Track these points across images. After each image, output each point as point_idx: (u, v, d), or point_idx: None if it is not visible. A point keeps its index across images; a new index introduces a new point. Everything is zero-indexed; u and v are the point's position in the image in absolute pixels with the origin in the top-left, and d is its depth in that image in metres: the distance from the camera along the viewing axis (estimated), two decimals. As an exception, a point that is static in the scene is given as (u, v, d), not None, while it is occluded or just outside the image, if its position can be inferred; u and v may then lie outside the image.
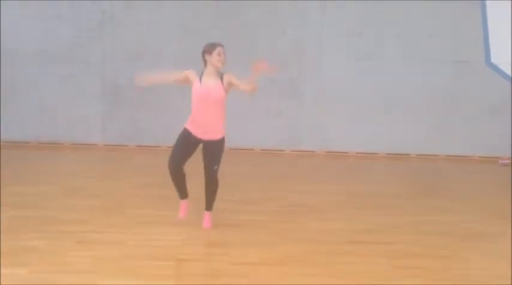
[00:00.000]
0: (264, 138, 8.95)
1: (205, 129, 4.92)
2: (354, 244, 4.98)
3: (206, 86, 4.87)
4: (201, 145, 5.02)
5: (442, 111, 8.98)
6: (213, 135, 4.95)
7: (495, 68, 4.97)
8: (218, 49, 4.85)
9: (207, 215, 5.21)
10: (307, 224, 5.52)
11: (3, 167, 7.31)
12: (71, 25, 8.64)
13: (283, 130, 9.04)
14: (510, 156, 8.75)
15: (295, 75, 8.90)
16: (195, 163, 5.07)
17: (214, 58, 4.84)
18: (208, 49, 4.87)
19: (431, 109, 8.97)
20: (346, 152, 9.04)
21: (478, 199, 6.71)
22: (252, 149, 8.85)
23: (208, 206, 5.20)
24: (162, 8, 8.69)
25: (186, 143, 4.97)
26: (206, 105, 4.88)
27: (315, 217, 5.76)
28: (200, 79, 4.90)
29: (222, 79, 4.91)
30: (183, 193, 5.19)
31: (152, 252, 4.61)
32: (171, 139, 9.60)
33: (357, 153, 9.04)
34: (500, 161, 8.76)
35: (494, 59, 4.90)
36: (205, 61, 4.92)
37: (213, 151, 4.97)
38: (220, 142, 5.00)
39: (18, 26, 8.62)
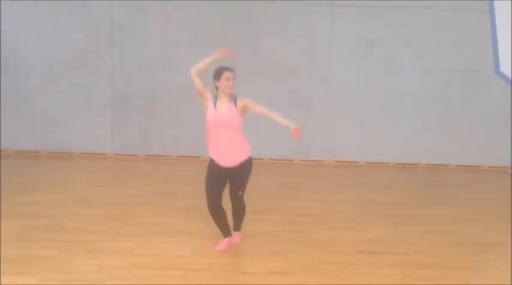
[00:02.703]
0: (273, 147, 8.94)
1: (228, 158, 4.78)
2: (364, 254, 4.95)
3: (221, 114, 4.72)
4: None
5: (451, 120, 8.94)
6: (239, 159, 4.83)
7: (504, 77, 4.96)
8: (226, 74, 4.70)
9: (236, 235, 5.15)
10: (317, 233, 5.50)
11: (12, 176, 7.36)
12: (80, 34, 8.71)
13: (292, 139, 9.00)
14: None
15: (303, 84, 8.89)
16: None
17: (222, 84, 4.70)
18: (217, 74, 4.73)
19: (440, 118, 8.93)
20: (356, 162, 9.01)
21: (488, 208, 6.65)
22: (261, 159, 8.84)
23: (237, 227, 5.14)
24: (171, 17, 8.74)
25: (217, 175, 4.82)
26: (223, 133, 4.73)
27: (325, 226, 5.74)
28: (215, 105, 4.75)
29: (235, 103, 4.77)
30: (226, 231, 5.03)
31: (160, 262, 4.60)
32: (179, 149, 9.68)
33: (366, 162, 9.01)
34: (510, 171, 8.70)
35: (503, 68, 4.90)
36: (216, 87, 4.79)
37: (240, 175, 4.86)
38: (247, 164, 4.88)
39: (29, 36, 8.69)
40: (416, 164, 9.04)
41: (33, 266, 4.42)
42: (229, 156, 4.79)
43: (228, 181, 4.90)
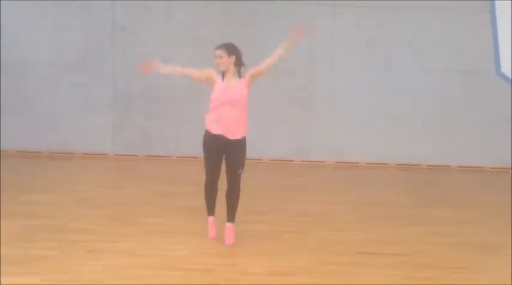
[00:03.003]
0: (274, 147, 8.95)
1: (228, 126, 4.82)
2: (365, 255, 4.95)
3: (228, 85, 4.82)
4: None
5: (452, 121, 8.93)
6: (235, 134, 4.85)
7: (505, 78, 4.96)
8: (215, 53, 4.85)
9: (230, 228, 5.07)
10: (317, 234, 5.50)
11: (14, 176, 7.37)
12: (82, 34, 8.71)
13: (293, 139, 9.03)
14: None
15: (305, 84, 8.90)
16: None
17: (214, 62, 4.84)
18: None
19: (441, 119, 8.92)
20: (357, 163, 9.01)
21: (490, 209, 6.65)
22: (261, 159, 8.84)
23: (231, 217, 5.07)
24: (172, 17, 8.75)
25: (214, 152, 4.88)
26: (230, 107, 4.80)
27: (325, 227, 5.74)
28: (222, 79, 4.85)
29: (244, 78, 4.87)
30: (212, 210, 5.15)
31: (161, 262, 4.61)
32: (180, 149, 9.67)
33: (367, 163, 9.01)
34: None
35: (504, 69, 4.89)
36: None
37: (237, 152, 4.88)
38: (243, 142, 4.93)
39: (30, 36, 8.70)
40: (417, 165, 9.04)
41: (34, 266, 4.42)
42: (226, 126, 4.82)
43: (223, 158, 4.91)
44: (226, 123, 4.82)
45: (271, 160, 8.95)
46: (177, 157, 8.94)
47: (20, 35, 8.68)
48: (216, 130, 4.85)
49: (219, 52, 4.84)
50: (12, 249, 4.74)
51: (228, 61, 4.83)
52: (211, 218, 5.19)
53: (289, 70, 8.80)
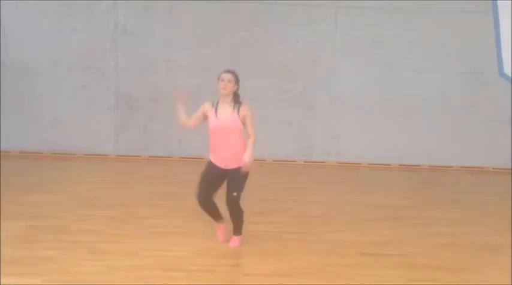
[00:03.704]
0: (276, 148, 8.95)
1: (226, 160, 4.84)
2: (367, 256, 4.95)
3: (222, 119, 4.80)
4: None
5: (456, 121, 8.93)
6: (231, 163, 4.85)
7: (508, 79, 4.95)
8: (221, 76, 4.81)
9: (235, 238, 5.12)
10: (320, 235, 5.51)
11: (16, 177, 7.38)
12: (84, 36, 8.73)
13: (295, 140, 9.04)
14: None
15: (307, 85, 8.90)
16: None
17: (219, 84, 4.81)
18: (218, 77, 4.84)
19: (444, 120, 8.92)
20: (358, 163, 9.01)
21: (492, 210, 6.64)
22: (264, 160, 8.85)
23: (236, 232, 5.11)
24: (175, 18, 8.76)
25: (212, 176, 4.90)
26: (223, 137, 4.80)
27: (327, 228, 5.74)
28: (216, 109, 4.84)
29: (239, 109, 4.82)
30: (218, 218, 5.12)
31: (164, 263, 4.62)
32: (183, 150, 9.70)
33: (369, 164, 9.01)
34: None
35: (507, 70, 4.89)
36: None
37: (235, 177, 4.86)
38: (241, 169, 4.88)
39: (33, 37, 8.72)
40: (420, 165, 9.04)
41: (36, 266, 4.43)
42: (227, 159, 4.84)
43: (222, 184, 4.93)
44: (220, 152, 4.84)
45: (273, 160, 8.96)
46: (179, 157, 8.95)
47: (23, 36, 8.70)
48: (213, 159, 4.91)
49: (229, 76, 4.81)
50: (15, 250, 4.75)
51: (233, 87, 4.83)
52: (218, 225, 5.16)
53: (291, 71, 8.82)
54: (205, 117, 4.92)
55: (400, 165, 9.00)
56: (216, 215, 5.09)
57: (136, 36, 8.76)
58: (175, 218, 5.81)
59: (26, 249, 4.78)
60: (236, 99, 4.87)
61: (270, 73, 8.76)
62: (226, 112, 4.82)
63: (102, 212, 5.93)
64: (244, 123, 4.85)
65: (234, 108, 4.83)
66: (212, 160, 4.91)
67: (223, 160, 4.85)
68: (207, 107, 4.90)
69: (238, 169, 4.83)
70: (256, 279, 4.37)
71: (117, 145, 9.00)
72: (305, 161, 9.05)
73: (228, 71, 4.84)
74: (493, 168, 8.98)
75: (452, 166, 9.02)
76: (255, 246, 5.09)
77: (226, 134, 4.80)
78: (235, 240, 5.12)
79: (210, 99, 4.94)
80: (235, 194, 4.88)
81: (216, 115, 4.83)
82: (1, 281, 4.11)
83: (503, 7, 4.77)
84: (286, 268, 4.61)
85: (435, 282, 4.45)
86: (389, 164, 9.02)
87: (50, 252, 4.72)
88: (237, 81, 4.85)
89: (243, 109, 4.84)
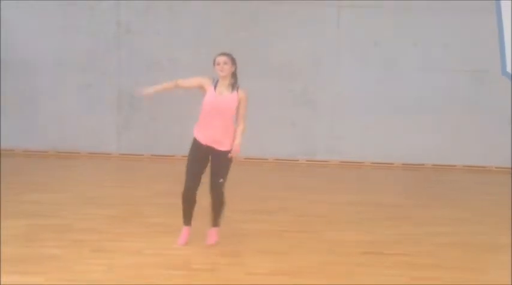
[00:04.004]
0: (278, 147, 8.95)
1: (213, 140, 4.83)
2: (370, 255, 4.94)
3: (220, 96, 4.82)
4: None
5: (459, 120, 8.92)
6: (221, 145, 4.85)
7: (511, 77, 4.94)
8: (216, 59, 4.83)
9: (213, 231, 5.05)
10: (322, 234, 5.50)
11: (19, 175, 7.40)
12: (87, 35, 8.75)
13: (298, 139, 9.04)
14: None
15: (310, 84, 8.90)
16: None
17: (215, 68, 4.83)
18: (213, 61, 4.86)
19: (448, 119, 8.91)
20: (361, 162, 9.00)
21: (495, 210, 6.62)
22: (266, 159, 8.85)
23: (215, 222, 5.04)
24: (178, 17, 8.77)
25: (197, 155, 4.89)
26: (217, 116, 4.80)
27: (330, 227, 5.74)
28: (215, 88, 4.85)
29: (237, 91, 4.85)
30: (188, 220, 5.05)
31: (166, 262, 4.62)
32: (185, 148, 9.66)
33: (372, 163, 9.00)
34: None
35: (510, 69, 4.88)
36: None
37: (220, 162, 4.86)
38: (227, 154, 4.89)
39: (37, 37, 8.75)
40: (423, 164, 9.03)
41: (39, 265, 4.44)
42: (215, 139, 4.83)
43: (206, 166, 4.89)
44: (213, 133, 4.83)
45: (276, 159, 8.96)
46: (182, 156, 8.91)
47: (26, 36, 8.73)
48: (203, 140, 4.87)
49: (224, 58, 4.83)
50: (18, 248, 4.76)
51: (230, 69, 4.84)
52: (186, 227, 5.08)
53: (294, 70, 8.82)
54: (200, 89, 4.88)
55: (403, 164, 8.99)
56: (191, 215, 5.02)
57: (139, 35, 8.77)
58: (178, 217, 5.79)
59: (29, 248, 4.79)
60: (235, 81, 4.88)
61: (274, 73, 8.76)
62: (224, 92, 4.83)
63: (105, 211, 5.94)
64: (237, 107, 4.85)
65: (233, 89, 4.85)
66: (198, 139, 4.87)
67: (210, 139, 4.82)
68: (206, 82, 4.87)
69: (222, 153, 4.83)
70: (257, 278, 4.37)
71: (120, 144, 9.02)
72: (308, 160, 9.04)
73: (223, 53, 4.86)
74: (496, 167, 8.96)
75: (455, 166, 9.01)
76: (257, 245, 5.08)
77: (221, 113, 4.80)
78: (213, 235, 5.03)
79: (210, 76, 4.92)
80: (221, 180, 4.86)
81: (215, 95, 4.81)
82: (3, 279, 4.12)
83: (506, 6, 4.77)
84: (288, 267, 4.60)
85: (437, 281, 4.44)
86: (392, 164, 9.01)
87: (52, 251, 4.73)
88: (233, 62, 4.86)
89: (241, 92, 4.86)
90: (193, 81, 4.97)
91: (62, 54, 8.78)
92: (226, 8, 8.72)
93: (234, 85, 4.87)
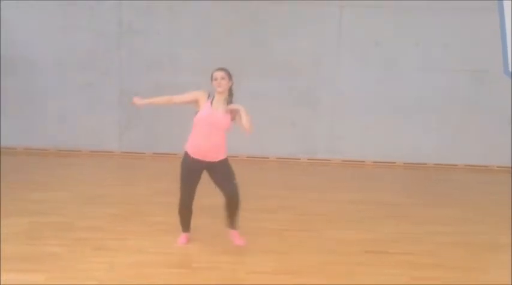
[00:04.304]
0: (280, 146, 8.96)
1: (208, 154, 4.79)
2: (371, 254, 4.95)
3: (216, 111, 4.78)
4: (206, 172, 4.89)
5: (460, 120, 8.92)
6: (216, 157, 4.82)
7: (513, 77, 4.94)
8: (214, 75, 4.81)
9: (235, 233, 5.05)
10: (323, 233, 5.51)
11: (21, 174, 7.41)
12: (89, 34, 8.75)
13: (299, 138, 9.04)
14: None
15: (311, 84, 8.90)
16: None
17: (213, 83, 4.81)
18: (211, 76, 4.83)
19: (449, 118, 8.91)
20: (363, 161, 9.00)
21: (497, 209, 6.63)
22: (267, 158, 8.85)
23: (234, 225, 5.02)
24: (179, 16, 8.76)
25: (192, 175, 4.84)
26: (211, 130, 4.77)
27: (331, 226, 5.75)
28: (211, 103, 4.81)
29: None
30: (187, 228, 5.07)
31: (168, 260, 4.63)
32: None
33: (373, 162, 9.00)
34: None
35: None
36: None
37: (223, 169, 4.84)
38: (225, 161, 4.87)
39: (38, 36, 8.75)
40: (424, 164, 9.03)
41: (41, 263, 4.45)
42: (209, 153, 4.80)
43: (200, 179, 4.86)
44: (208, 147, 4.78)
45: (277, 158, 8.96)
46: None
47: (27, 36, 8.74)
48: (197, 154, 4.81)
49: (222, 74, 4.81)
50: (19, 246, 4.77)
51: (227, 84, 4.83)
52: (185, 234, 5.09)
53: (295, 69, 8.82)
54: (195, 104, 4.86)
55: (405, 163, 9.00)
56: (189, 223, 5.04)
57: (140, 34, 8.78)
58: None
59: (30, 246, 4.80)
60: (230, 97, 4.86)
61: (275, 72, 8.76)
62: (220, 107, 4.81)
63: (106, 210, 5.95)
64: (234, 118, 4.82)
65: (228, 104, 4.82)
66: (190, 153, 4.84)
67: (205, 153, 4.79)
68: (201, 96, 4.85)
69: (221, 161, 4.82)
70: (258, 277, 4.37)
71: (121, 142, 9.02)
72: (309, 159, 9.05)
73: (220, 69, 4.85)
74: (497, 167, 8.96)
75: (457, 165, 9.01)
76: (258, 244, 5.09)
77: (217, 128, 4.78)
78: (236, 237, 5.05)
79: (206, 90, 4.90)
80: (235, 181, 4.85)
81: (211, 109, 4.79)
82: (4, 277, 4.13)
83: (508, 6, 4.76)
84: (289, 266, 4.61)
85: (438, 281, 4.45)
86: (394, 163, 9.01)
87: (54, 249, 4.74)
88: (230, 77, 4.85)
89: (235, 105, 4.80)
90: (187, 97, 4.94)
91: (63, 54, 8.78)
92: (226, 8, 8.71)
93: (228, 102, 4.83)
